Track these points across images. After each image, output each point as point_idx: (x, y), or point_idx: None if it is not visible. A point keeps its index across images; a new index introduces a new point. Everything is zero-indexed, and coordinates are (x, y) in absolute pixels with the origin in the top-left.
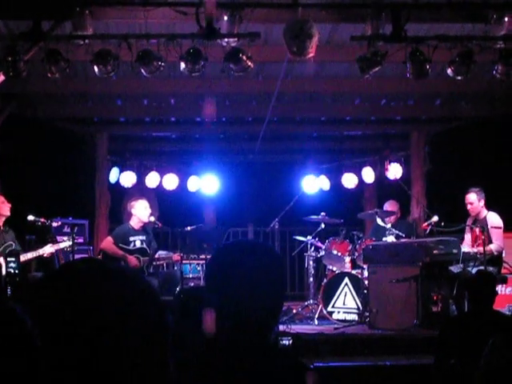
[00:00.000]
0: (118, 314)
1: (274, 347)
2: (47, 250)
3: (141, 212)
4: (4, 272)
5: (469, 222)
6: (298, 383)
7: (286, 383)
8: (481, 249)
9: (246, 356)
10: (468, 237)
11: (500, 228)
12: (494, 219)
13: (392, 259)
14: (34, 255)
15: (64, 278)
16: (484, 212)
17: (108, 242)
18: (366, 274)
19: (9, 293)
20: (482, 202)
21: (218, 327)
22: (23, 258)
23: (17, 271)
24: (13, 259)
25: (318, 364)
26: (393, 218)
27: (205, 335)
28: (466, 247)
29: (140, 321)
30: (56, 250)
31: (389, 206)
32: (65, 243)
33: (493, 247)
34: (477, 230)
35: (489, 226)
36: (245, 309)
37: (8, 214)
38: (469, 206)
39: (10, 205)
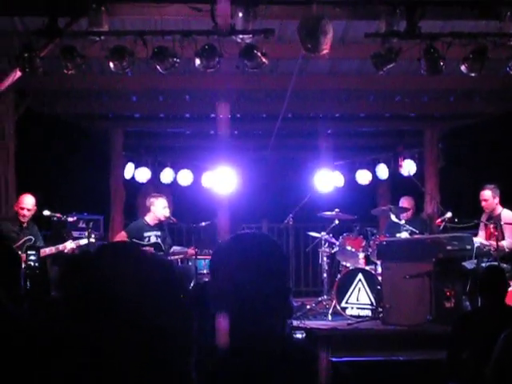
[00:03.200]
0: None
1: (289, 339)
2: (68, 245)
3: (159, 210)
4: (24, 265)
5: (483, 218)
6: (311, 373)
7: (300, 372)
8: (493, 243)
9: (260, 346)
10: (482, 233)
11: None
12: (508, 216)
13: (406, 255)
14: (54, 250)
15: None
16: (499, 209)
17: (121, 237)
18: (379, 269)
19: (28, 285)
20: (497, 199)
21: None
22: (43, 252)
23: (37, 264)
24: (33, 252)
25: (332, 359)
26: (408, 214)
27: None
28: (478, 241)
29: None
30: (77, 246)
31: (404, 201)
32: (84, 240)
33: (505, 244)
34: (491, 226)
35: (502, 223)
36: (250, 298)
37: (22, 219)
38: (483, 203)
39: (33, 207)
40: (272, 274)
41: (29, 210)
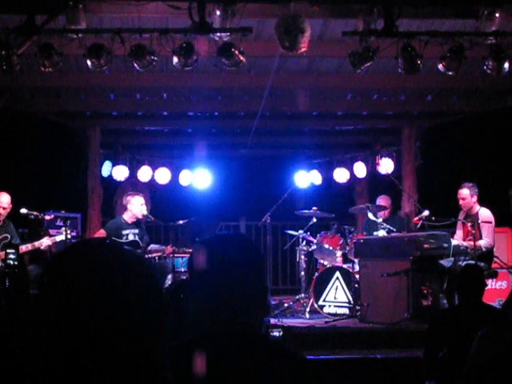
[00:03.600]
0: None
1: (265, 338)
2: (45, 242)
3: (136, 208)
4: (2, 264)
5: (461, 216)
6: (288, 372)
7: (276, 372)
8: (471, 243)
9: (235, 345)
10: (460, 232)
11: (491, 223)
12: (485, 215)
13: (383, 253)
14: (31, 247)
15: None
16: (476, 207)
17: (100, 235)
18: (357, 268)
19: (7, 284)
20: (475, 198)
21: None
22: (20, 250)
23: (16, 263)
24: (12, 251)
25: (309, 357)
26: (385, 212)
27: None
28: (455, 240)
29: (141, 302)
30: (53, 243)
31: (381, 200)
32: (61, 236)
33: (482, 243)
34: (468, 224)
35: (480, 222)
36: (228, 299)
37: (2, 217)
38: (461, 201)
39: (8, 205)
40: (249, 274)
41: (4, 208)
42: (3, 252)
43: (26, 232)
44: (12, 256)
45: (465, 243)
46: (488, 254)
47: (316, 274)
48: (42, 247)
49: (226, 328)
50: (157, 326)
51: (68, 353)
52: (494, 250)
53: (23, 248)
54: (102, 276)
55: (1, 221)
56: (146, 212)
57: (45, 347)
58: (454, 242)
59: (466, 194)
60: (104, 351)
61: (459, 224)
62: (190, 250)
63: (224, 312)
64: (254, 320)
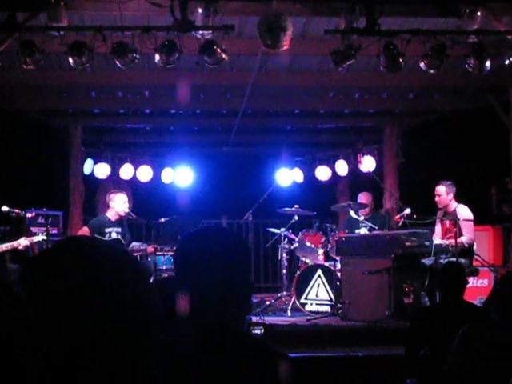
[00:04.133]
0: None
1: (246, 336)
2: (22, 242)
3: (119, 206)
4: None
5: (439, 214)
6: (269, 369)
7: (257, 369)
8: (452, 241)
9: (217, 342)
10: (438, 229)
11: (471, 220)
12: (464, 212)
13: (364, 251)
14: (9, 247)
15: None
16: (453, 205)
17: (84, 233)
18: (338, 266)
19: None
20: (451, 195)
21: (190, 310)
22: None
23: None
24: None
25: (291, 355)
26: (367, 210)
27: (179, 316)
28: (437, 239)
29: (128, 298)
30: (30, 243)
31: (362, 196)
32: (38, 237)
33: (464, 239)
34: (447, 222)
35: (459, 219)
36: (213, 294)
37: None
38: (436, 198)
39: None
40: (234, 268)
41: None
42: None
43: (7, 230)
44: None
45: (446, 241)
46: (469, 252)
47: (298, 272)
48: (19, 247)
49: (208, 324)
50: (150, 325)
51: (68, 353)
52: (475, 247)
53: (3, 247)
54: (96, 275)
55: None
56: (127, 210)
57: (44, 348)
58: (436, 240)
59: (442, 191)
60: (102, 352)
61: (437, 221)
62: (173, 248)
63: (208, 308)
64: (236, 317)
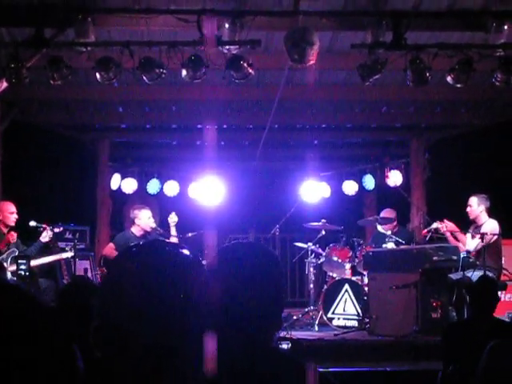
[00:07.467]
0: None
1: (276, 350)
2: (64, 255)
3: (144, 221)
4: (10, 275)
5: (471, 229)
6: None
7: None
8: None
9: (247, 356)
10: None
11: (494, 236)
12: (489, 226)
13: (392, 266)
14: (54, 258)
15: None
16: (483, 219)
17: (110, 249)
18: (366, 280)
19: None
20: (482, 208)
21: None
22: (39, 261)
23: (27, 273)
24: (23, 261)
25: (319, 369)
26: (393, 224)
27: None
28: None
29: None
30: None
31: (385, 214)
32: (67, 253)
33: (471, 245)
34: (477, 236)
35: (488, 234)
36: (246, 308)
37: (12, 224)
38: (468, 208)
39: (15, 214)
40: (270, 285)
41: (16, 213)
42: (14, 265)
43: (42, 244)
44: (23, 267)
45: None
46: (497, 267)
47: (325, 287)
48: (62, 258)
49: (239, 338)
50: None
51: (148, 345)
52: (503, 262)
53: (50, 259)
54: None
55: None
56: (154, 225)
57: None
58: (463, 253)
59: (474, 202)
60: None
61: (469, 236)
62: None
63: (240, 322)
64: (268, 333)
